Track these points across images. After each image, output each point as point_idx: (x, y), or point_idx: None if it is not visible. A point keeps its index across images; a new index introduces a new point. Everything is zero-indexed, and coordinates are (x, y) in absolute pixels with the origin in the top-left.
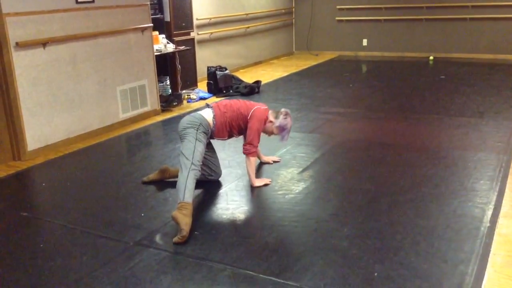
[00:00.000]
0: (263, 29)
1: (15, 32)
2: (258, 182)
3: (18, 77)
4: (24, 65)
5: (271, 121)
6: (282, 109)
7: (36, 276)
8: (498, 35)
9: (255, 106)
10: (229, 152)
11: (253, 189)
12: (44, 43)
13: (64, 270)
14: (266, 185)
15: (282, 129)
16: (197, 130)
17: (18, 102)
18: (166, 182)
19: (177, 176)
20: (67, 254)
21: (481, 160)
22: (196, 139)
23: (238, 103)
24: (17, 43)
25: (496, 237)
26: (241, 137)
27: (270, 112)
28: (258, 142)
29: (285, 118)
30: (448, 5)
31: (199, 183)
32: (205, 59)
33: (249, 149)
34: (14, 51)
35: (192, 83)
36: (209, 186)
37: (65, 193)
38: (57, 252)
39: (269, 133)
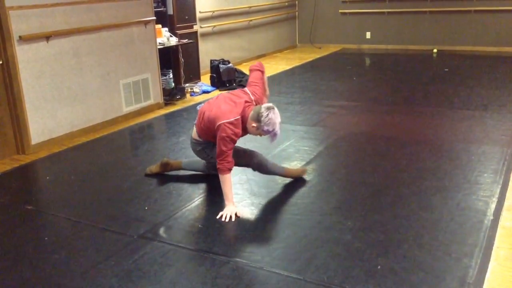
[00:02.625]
0: (266, 22)
1: (18, 26)
2: (231, 207)
3: (21, 70)
4: (27, 59)
5: (253, 126)
6: (262, 108)
7: (41, 269)
8: (502, 28)
9: (221, 121)
10: None
11: (256, 182)
12: (47, 37)
13: (68, 263)
14: (230, 217)
15: (267, 132)
16: (208, 155)
17: (21, 96)
18: (170, 176)
19: (178, 169)
20: (71, 247)
21: (485, 153)
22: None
23: (212, 106)
24: (20, 37)
25: (499, 230)
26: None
27: (251, 114)
28: (228, 158)
29: (268, 119)
30: None
31: (203, 177)
32: (208, 52)
33: (218, 165)
34: (18, 45)
35: (195, 76)
36: (212, 179)
37: (69, 186)
38: (61, 245)
39: (257, 134)
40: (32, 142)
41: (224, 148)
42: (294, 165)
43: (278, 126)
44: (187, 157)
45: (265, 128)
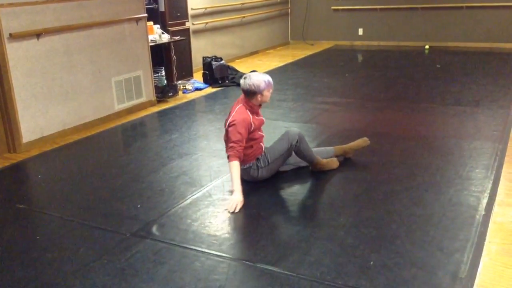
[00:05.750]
0: (259, 19)
1: (8, 23)
2: (238, 195)
3: (12, 68)
4: (18, 57)
5: (259, 97)
6: (246, 85)
7: (33, 268)
8: (494, 24)
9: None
10: None
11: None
12: (38, 34)
13: (61, 262)
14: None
15: (266, 87)
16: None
17: (12, 94)
18: (162, 173)
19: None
20: (64, 246)
21: (477, 148)
22: None
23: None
24: (10, 34)
25: (491, 225)
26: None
27: (249, 97)
28: (242, 143)
29: (255, 83)
30: None
31: (195, 175)
32: (200, 49)
33: (228, 152)
34: (8, 43)
35: (187, 73)
36: (205, 177)
37: (61, 185)
38: (53, 244)
39: (267, 98)
40: (23, 141)
41: (238, 128)
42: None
43: (264, 78)
44: (180, 155)
45: (261, 89)
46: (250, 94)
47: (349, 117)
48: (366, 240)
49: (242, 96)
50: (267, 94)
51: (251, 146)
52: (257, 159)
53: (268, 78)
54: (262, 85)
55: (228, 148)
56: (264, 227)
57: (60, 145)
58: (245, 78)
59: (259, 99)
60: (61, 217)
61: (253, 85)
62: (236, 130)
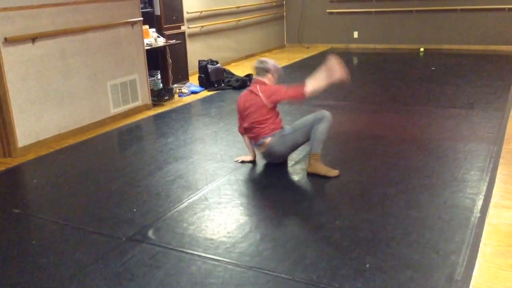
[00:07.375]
0: (254, 22)
1: (3, 28)
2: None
3: (7, 72)
4: (13, 61)
5: (269, 78)
6: (260, 63)
7: (29, 272)
8: (488, 26)
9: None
10: (221, 146)
11: (244, 182)
12: (33, 38)
13: (57, 267)
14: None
15: (277, 70)
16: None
17: (7, 98)
18: (158, 177)
19: None
20: (59, 250)
21: (472, 150)
22: None
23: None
24: (5, 39)
25: (486, 227)
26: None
27: (260, 76)
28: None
29: (270, 64)
30: None
31: (191, 179)
32: (196, 52)
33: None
34: (3, 47)
35: (183, 77)
36: (201, 180)
37: (56, 189)
38: (49, 248)
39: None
40: (19, 145)
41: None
42: (282, 164)
43: (274, 62)
44: (176, 158)
45: (272, 69)
46: (263, 71)
47: (345, 120)
48: (362, 242)
49: (254, 83)
50: (276, 77)
51: (278, 115)
52: (281, 127)
53: (278, 65)
54: (272, 65)
55: (296, 88)
56: (260, 230)
57: (55, 149)
58: (258, 60)
59: (271, 79)
60: (57, 221)
61: (267, 62)
62: (277, 88)
